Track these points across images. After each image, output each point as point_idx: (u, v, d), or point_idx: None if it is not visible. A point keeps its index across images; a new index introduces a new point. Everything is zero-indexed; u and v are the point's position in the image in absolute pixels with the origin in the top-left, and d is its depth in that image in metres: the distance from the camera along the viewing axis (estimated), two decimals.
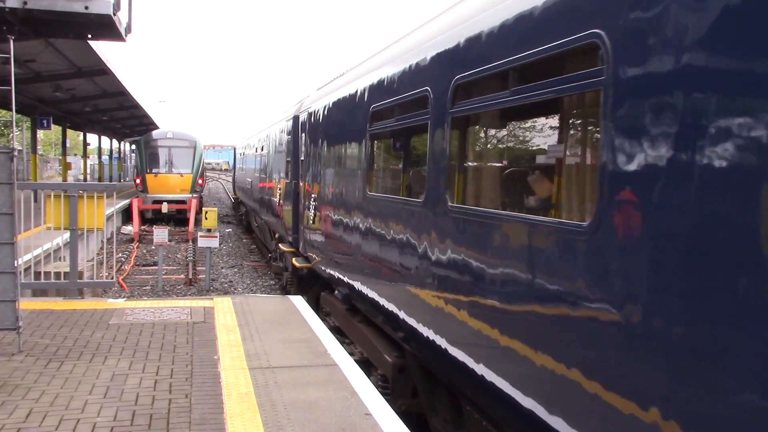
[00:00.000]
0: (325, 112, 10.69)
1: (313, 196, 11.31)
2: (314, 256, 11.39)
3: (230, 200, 47.13)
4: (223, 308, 9.23)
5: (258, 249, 24.93)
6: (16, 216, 6.89)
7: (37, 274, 10.81)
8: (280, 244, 15.66)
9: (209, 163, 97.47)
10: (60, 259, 13.91)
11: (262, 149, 21.23)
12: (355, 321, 8.90)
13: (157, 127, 40.22)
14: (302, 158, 12.74)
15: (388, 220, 7.04)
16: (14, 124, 7.80)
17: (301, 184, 12.84)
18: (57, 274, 10.28)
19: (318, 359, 6.87)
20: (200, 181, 32.50)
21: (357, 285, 8.31)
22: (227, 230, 30.03)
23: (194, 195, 30.44)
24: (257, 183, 22.41)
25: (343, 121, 9.49)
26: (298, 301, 9.86)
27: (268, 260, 20.67)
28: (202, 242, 17.29)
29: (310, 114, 12.13)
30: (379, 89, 7.62)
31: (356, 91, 8.65)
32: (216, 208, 20.82)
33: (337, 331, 9.60)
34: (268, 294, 16.24)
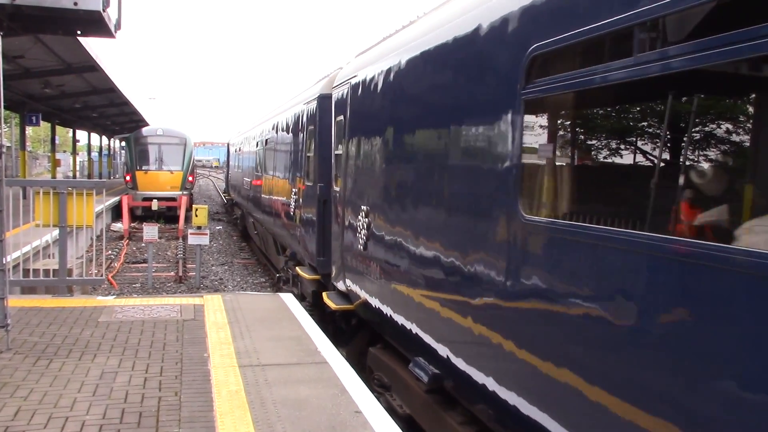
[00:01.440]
0: (392, 79, 6.92)
1: (363, 207, 7.69)
2: (359, 292, 7.96)
3: (221, 198, 46.96)
4: (213, 306, 9.22)
5: (250, 249, 24.84)
6: (4, 213, 6.85)
7: (26, 272, 10.75)
8: (298, 268, 12.00)
9: (199, 160, 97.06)
10: (49, 256, 13.83)
11: (265, 143, 17.74)
12: (452, 419, 5.58)
13: (147, 124, 40.05)
14: (338, 152, 9.08)
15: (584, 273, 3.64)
16: (2, 120, 7.75)
17: (336, 188, 9.15)
18: (46, 272, 10.22)
19: (308, 357, 6.87)
20: (190, 178, 32.38)
21: (465, 367, 5.04)
22: (217, 227, 29.96)
23: (184, 192, 30.34)
24: (258, 184, 19.22)
25: (439, 87, 5.76)
26: (289, 299, 9.85)
27: (276, 282, 16.70)
28: (192, 239, 17.27)
29: (354, 87, 8.26)
30: (555, 10, 4.01)
31: (477, 29, 4.98)
32: (206, 206, 20.76)
33: (408, 423, 6.53)
34: (258, 291, 16.22)
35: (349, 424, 5.13)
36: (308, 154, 11.26)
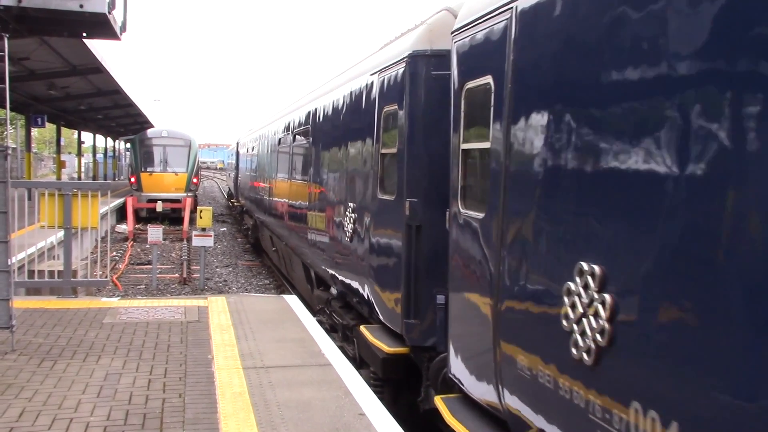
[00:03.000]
0: None
1: (588, 267, 3.53)
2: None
3: (225, 200, 47.01)
4: (218, 307, 9.22)
5: (256, 253, 24.83)
6: (9, 214, 6.87)
7: (31, 273, 10.80)
8: (365, 330, 7.75)
9: (204, 162, 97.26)
10: (54, 257, 13.86)
11: (294, 139, 13.58)
12: None
13: (151, 126, 40.13)
14: (473, 146, 5.35)
15: None
16: (8, 122, 7.77)
17: (469, 212, 5.24)
18: (51, 273, 10.25)
19: (312, 359, 6.87)
20: (195, 180, 32.44)
21: None
22: (222, 229, 29.99)
23: (189, 194, 30.39)
24: (281, 192, 15.05)
25: None
26: (293, 301, 9.85)
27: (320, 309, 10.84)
28: (196, 241, 17.29)
29: (534, 13, 4.29)
30: None
31: None
32: (211, 207, 20.79)
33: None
34: (262, 293, 16.23)
35: (353, 426, 5.13)
36: (383, 151, 7.50)
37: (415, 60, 6.85)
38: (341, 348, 8.20)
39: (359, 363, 7.99)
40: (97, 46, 17.50)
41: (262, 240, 21.06)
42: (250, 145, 24.47)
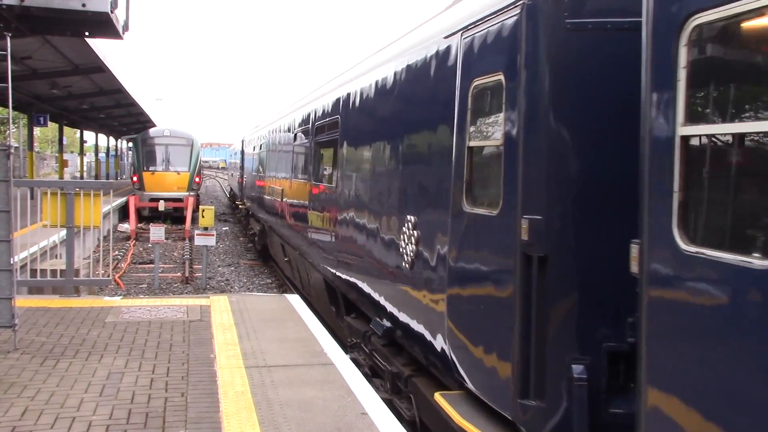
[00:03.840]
0: None
1: None
2: None
3: (228, 199, 47.01)
4: (220, 307, 9.23)
5: (262, 258, 24.77)
6: (12, 213, 6.88)
7: (33, 272, 10.80)
8: (443, 401, 5.29)
9: (206, 161, 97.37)
10: (56, 256, 13.88)
11: (315, 132, 11.13)
12: None
13: (154, 125, 40.16)
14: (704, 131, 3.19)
15: None
16: (11, 121, 7.79)
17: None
18: (53, 272, 10.25)
19: (314, 358, 6.87)
20: (197, 179, 32.45)
21: None
22: (224, 228, 30.01)
23: (191, 193, 30.40)
24: (300, 198, 12.16)
25: None
26: (295, 300, 9.85)
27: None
28: (198, 240, 17.30)
29: None
30: None
31: None
32: (213, 207, 20.79)
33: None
34: (264, 293, 16.23)
35: (355, 425, 5.13)
36: (473, 144, 5.28)
37: (536, 4, 4.50)
38: (388, 402, 6.29)
39: (420, 429, 6.23)
40: (99, 45, 17.51)
41: (271, 247, 18.97)
42: (257, 142, 21.71)
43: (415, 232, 6.20)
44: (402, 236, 6.48)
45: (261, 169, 20.08)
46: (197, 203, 30.33)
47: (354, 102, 8.83)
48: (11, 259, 6.85)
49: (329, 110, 10.24)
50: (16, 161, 34.61)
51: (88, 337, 7.45)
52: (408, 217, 6.39)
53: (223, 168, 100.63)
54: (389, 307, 6.95)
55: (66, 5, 7.73)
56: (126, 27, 8.95)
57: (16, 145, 38.17)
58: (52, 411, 5.30)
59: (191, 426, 5.05)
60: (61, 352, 6.90)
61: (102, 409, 5.36)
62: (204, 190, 52.32)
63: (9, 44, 7.16)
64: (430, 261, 5.87)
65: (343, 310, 9.33)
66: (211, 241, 17.38)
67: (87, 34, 9.54)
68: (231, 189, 42.70)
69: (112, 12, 8.06)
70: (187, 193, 30.08)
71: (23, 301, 8.90)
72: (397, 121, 7.06)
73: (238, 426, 5.05)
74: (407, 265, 6.36)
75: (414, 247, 6.19)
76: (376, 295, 7.41)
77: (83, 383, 5.95)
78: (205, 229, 18.29)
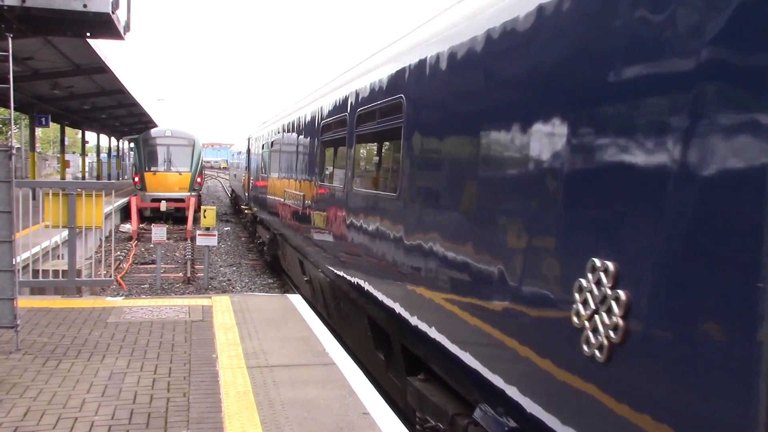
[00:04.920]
0: None
1: None
2: None
3: (229, 200, 46.96)
4: (222, 307, 9.23)
5: (259, 252, 24.77)
6: (14, 214, 6.88)
7: (35, 272, 10.80)
8: None
9: (208, 162, 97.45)
10: (58, 257, 13.90)
11: (356, 123, 8.17)
12: None
13: (155, 125, 40.21)
14: None
15: None
16: (12, 121, 7.80)
17: None
18: (55, 273, 10.26)
19: (316, 358, 6.87)
20: (199, 180, 32.48)
21: None
22: (225, 228, 30.02)
23: (193, 193, 30.43)
24: (335, 208, 9.08)
25: None
26: (297, 300, 9.85)
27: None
28: (200, 240, 17.29)
29: None
30: None
31: None
32: (215, 207, 20.81)
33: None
34: (266, 292, 16.24)
35: (357, 425, 5.12)
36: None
37: None
38: None
39: None
40: (100, 46, 17.53)
41: (283, 260, 16.53)
42: (267, 139, 18.55)
43: (620, 292, 3.12)
44: (576, 294, 3.44)
45: (271, 171, 17.26)
46: (199, 203, 30.36)
47: (426, 74, 5.76)
48: (13, 259, 6.86)
49: (386, 87, 7.02)
50: (17, 162, 34.72)
51: (90, 338, 7.46)
52: (594, 261, 3.31)
53: (224, 168, 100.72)
54: (530, 408, 3.88)
55: (67, 6, 7.74)
56: (127, 27, 8.96)
57: (18, 145, 38.22)
58: (54, 411, 5.30)
59: (193, 426, 5.05)
60: (63, 352, 6.90)
61: (104, 409, 5.36)
62: (205, 190, 52.39)
63: (10, 45, 7.16)
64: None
65: (401, 365, 6.73)
66: (212, 241, 17.39)
67: (88, 34, 9.54)
68: (233, 191, 41.22)
69: (113, 12, 8.06)
70: (189, 194, 30.10)
71: (25, 302, 8.91)
72: (525, 99, 4.07)
73: (240, 426, 5.05)
74: (595, 352, 3.26)
75: (620, 320, 3.11)
76: (496, 380, 4.31)
77: (85, 384, 5.95)
78: (207, 229, 18.31)
